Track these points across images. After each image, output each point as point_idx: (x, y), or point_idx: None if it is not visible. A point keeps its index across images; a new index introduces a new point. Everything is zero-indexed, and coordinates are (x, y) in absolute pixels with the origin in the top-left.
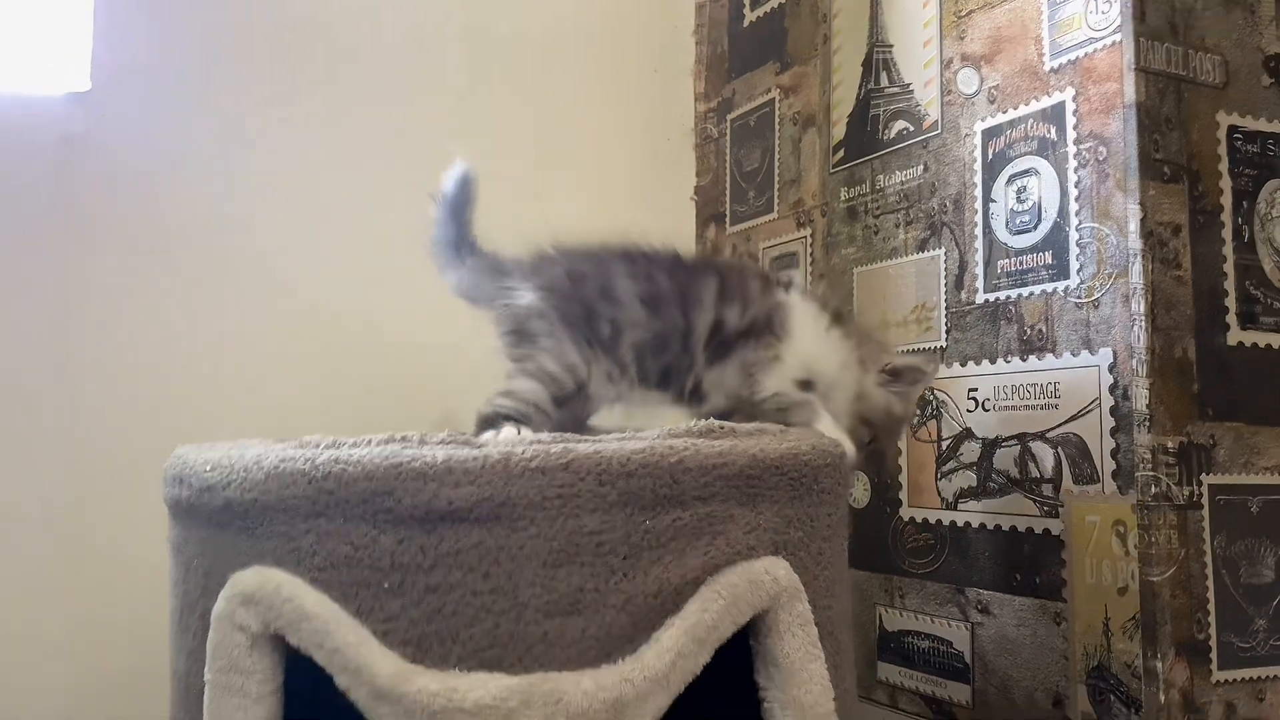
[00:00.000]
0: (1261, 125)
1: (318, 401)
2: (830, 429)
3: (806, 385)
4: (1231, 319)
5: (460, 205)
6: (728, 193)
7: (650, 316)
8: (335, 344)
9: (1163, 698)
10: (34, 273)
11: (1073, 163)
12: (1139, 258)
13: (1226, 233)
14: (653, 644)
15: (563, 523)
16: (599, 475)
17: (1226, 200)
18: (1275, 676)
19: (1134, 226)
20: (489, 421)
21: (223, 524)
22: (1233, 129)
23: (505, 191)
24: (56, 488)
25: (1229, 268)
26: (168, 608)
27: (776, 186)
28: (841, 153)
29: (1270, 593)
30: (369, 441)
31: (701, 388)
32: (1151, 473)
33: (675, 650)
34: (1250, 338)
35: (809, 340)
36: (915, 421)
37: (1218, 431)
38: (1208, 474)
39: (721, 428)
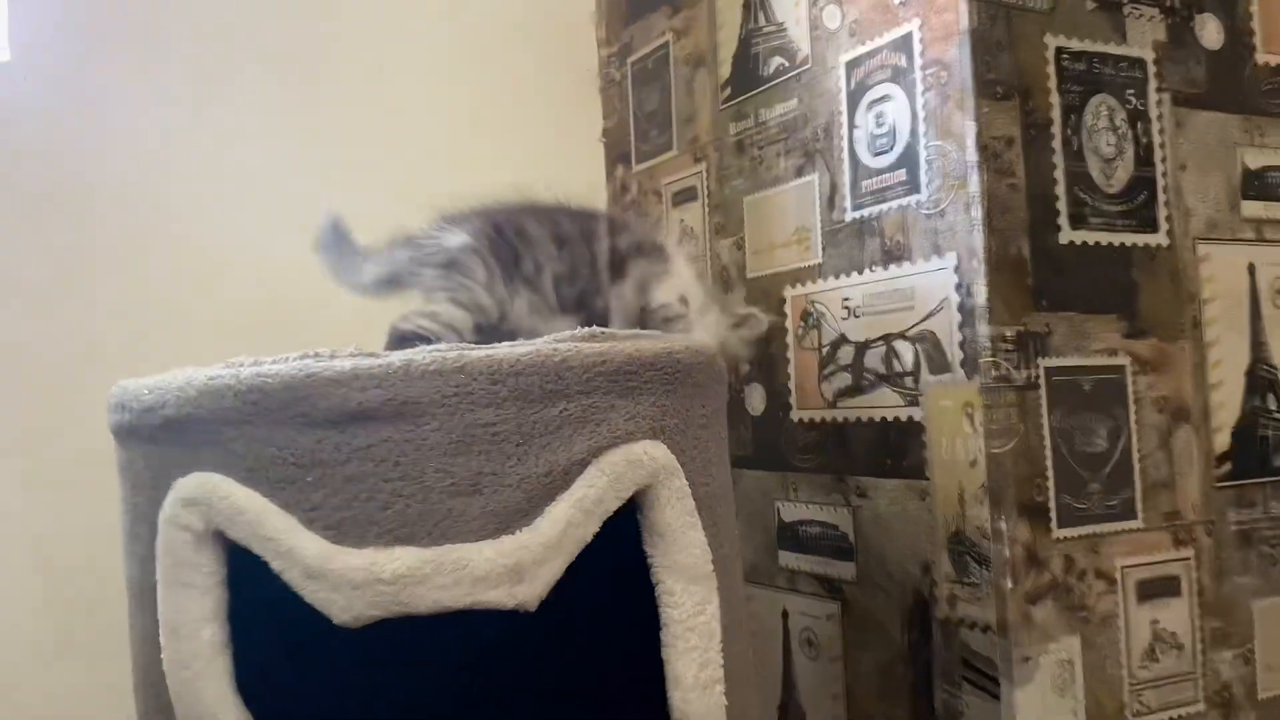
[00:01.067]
0: (1087, 45)
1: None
2: (704, 338)
3: (684, 304)
4: (1063, 220)
5: (339, 242)
6: (632, 133)
7: (560, 251)
8: (252, 304)
9: (1008, 553)
10: None
11: (920, 87)
12: (975, 169)
13: (1056, 144)
14: (545, 516)
15: (460, 417)
16: (490, 375)
17: (1056, 115)
18: (1110, 533)
19: (971, 141)
20: (405, 339)
21: (162, 440)
22: (1060, 50)
23: (420, 151)
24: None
25: (1059, 175)
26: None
27: (674, 125)
28: (729, 90)
29: (1103, 459)
30: (286, 359)
31: (609, 308)
32: (992, 359)
33: (565, 521)
34: (1080, 237)
35: (685, 269)
36: (800, 333)
37: (1052, 320)
38: (1044, 358)
39: (603, 333)
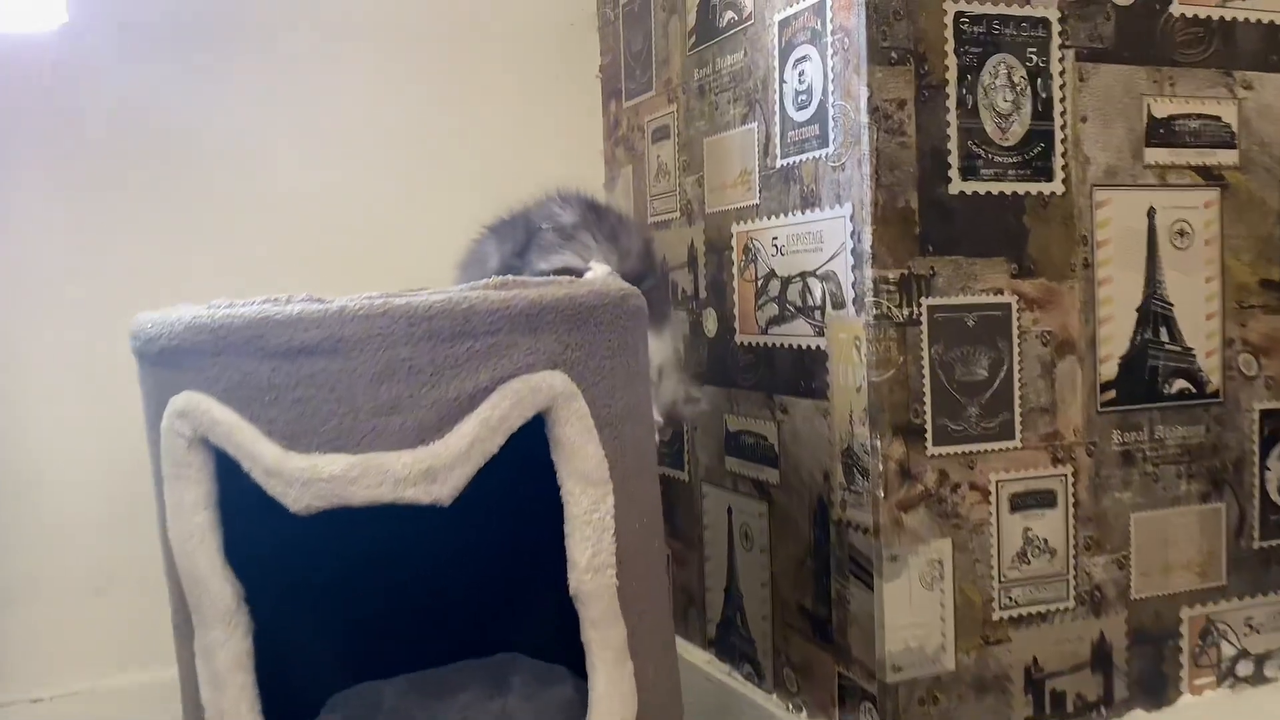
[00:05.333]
0: (988, 9)
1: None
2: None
3: (659, 372)
4: (954, 173)
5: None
6: (622, 71)
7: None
8: (313, 254)
9: (881, 467)
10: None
11: (830, 50)
12: (865, 130)
13: (950, 103)
14: (455, 432)
15: (384, 352)
16: (409, 319)
17: (952, 75)
18: (984, 451)
19: (863, 104)
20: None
21: (161, 364)
22: (959, 14)
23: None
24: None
25: (952, 131)
26: None
27: (654, 66)
28: (694, 38)
29: (983, 387)
30: (253, 302)
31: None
32: (874, 299)
33: (472, 435)
34: (971, 187)
35: (676, 331)
36: (742, 265)
37: (938, 264)
38: (927, 297)
39: (513, 280)
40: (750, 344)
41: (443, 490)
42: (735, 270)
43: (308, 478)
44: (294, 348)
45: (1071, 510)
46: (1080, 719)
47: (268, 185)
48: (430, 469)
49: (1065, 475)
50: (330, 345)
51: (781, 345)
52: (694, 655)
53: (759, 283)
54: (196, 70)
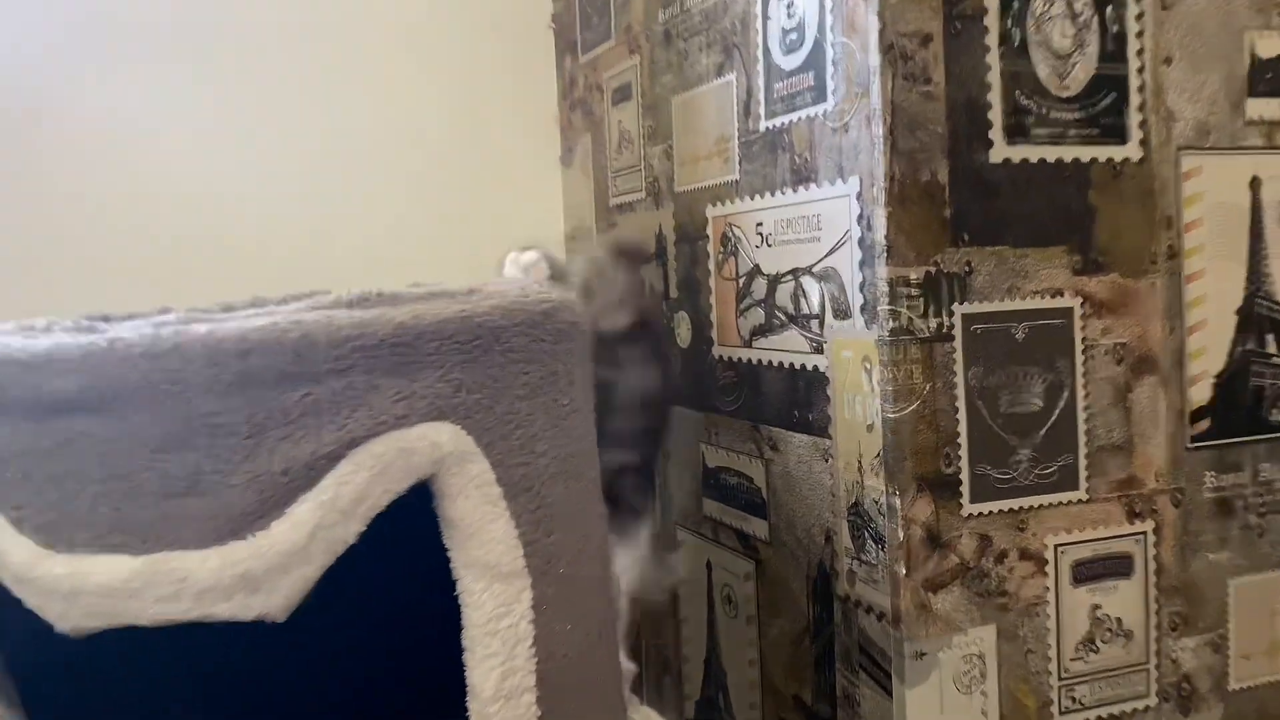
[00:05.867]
0: None
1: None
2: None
3: None
4: (996, 134)
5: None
6: (578, 19)
7: None
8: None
9: (901, 535)
10: None
11: None
12: (876, 76)
13: (991, 39)
14: (286, 519)
15: (174, 407)
16: (210, 358)
17: (992, 2)
18: (1039, 506)
19: (873, 41)
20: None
21: None
22: None
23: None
24: None
25: (994, 77)
26: None
27: (612, 10)
28: None
29: (1037, 421)
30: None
31: None
32: (890, 306)
33: (312, 523)
34: (1020, 153)
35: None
36: (720, 259)
37: (975, 257)
38: (961, 303)
39: (379, 295)
40: (731, 359)
41: (270, 602)
42: (711, 265)
43: (68, 588)
44: (42, 403)
45: (1153, 579)
46: None
47: (146, 174)
48: (248, 574)
49: (1144, 534)
50: (95, 398)
51: (769, 363)
52: None
53: (740, 281)
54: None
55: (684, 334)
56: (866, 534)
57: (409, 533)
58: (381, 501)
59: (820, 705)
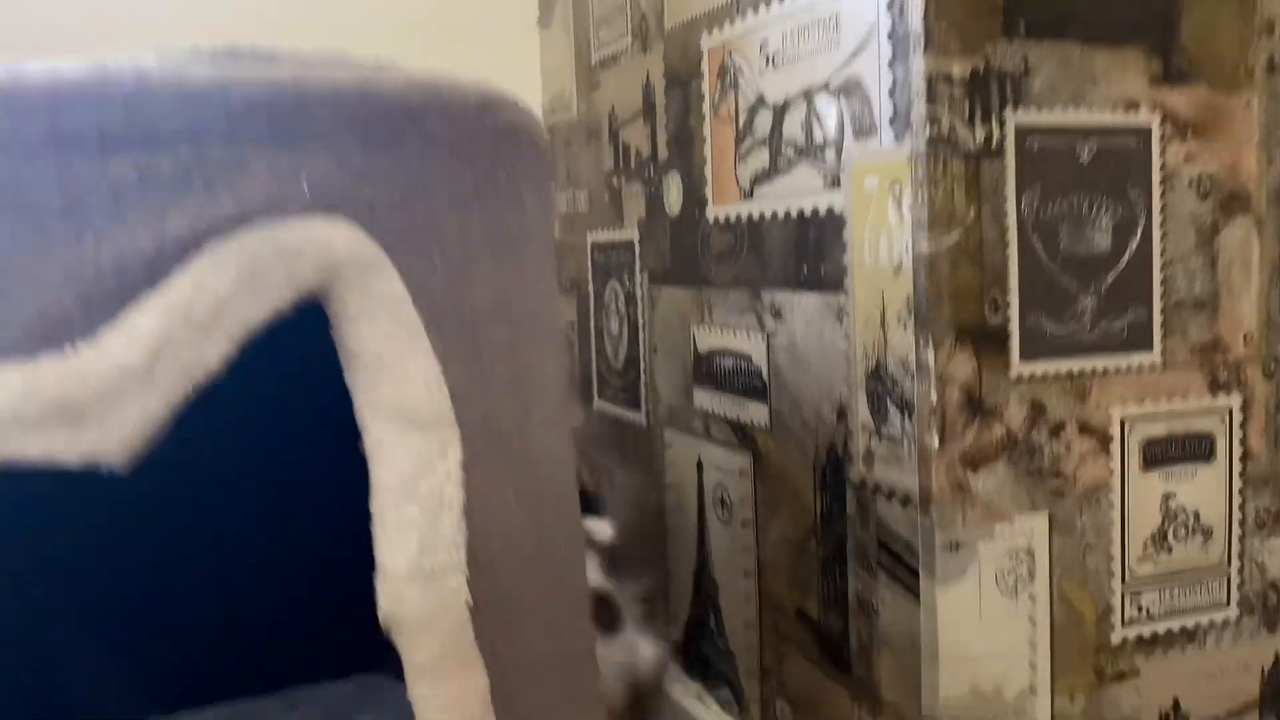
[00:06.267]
0: None
1: None
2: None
3: None
4: None
5: None
6: None
7: None
8: None
9: (935, 398)
10: None
11: None
12: None
13: None
14: (118, 330)
15: None
16: (9, 107)
17: None
18: (1104, 370)
19: None
20: None
21: None
22: None
23: None
24: None
25: None
26: None
27: None
28: None
29: (1104, 264)
30: None
31: None
32: (928, 110)
33: (156, 336)
34: None
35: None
36: (716, 98)
37: (1034, 53)
38: (1016, 109)
39: (254, 50)
40: (728, 218)
41: (105, 440)
42: (707, 108)
43: None
44: None
45: (1237, 466)
46: None
47: None
48: (66, 400)
49: (1229, 410)
50: None
51: (773, 215)
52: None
53: (740, 120)
54: None
55: (674, 199)
56: (889, 402)
57: (301, 370)
58: (253, 317)
59: (829, 617)
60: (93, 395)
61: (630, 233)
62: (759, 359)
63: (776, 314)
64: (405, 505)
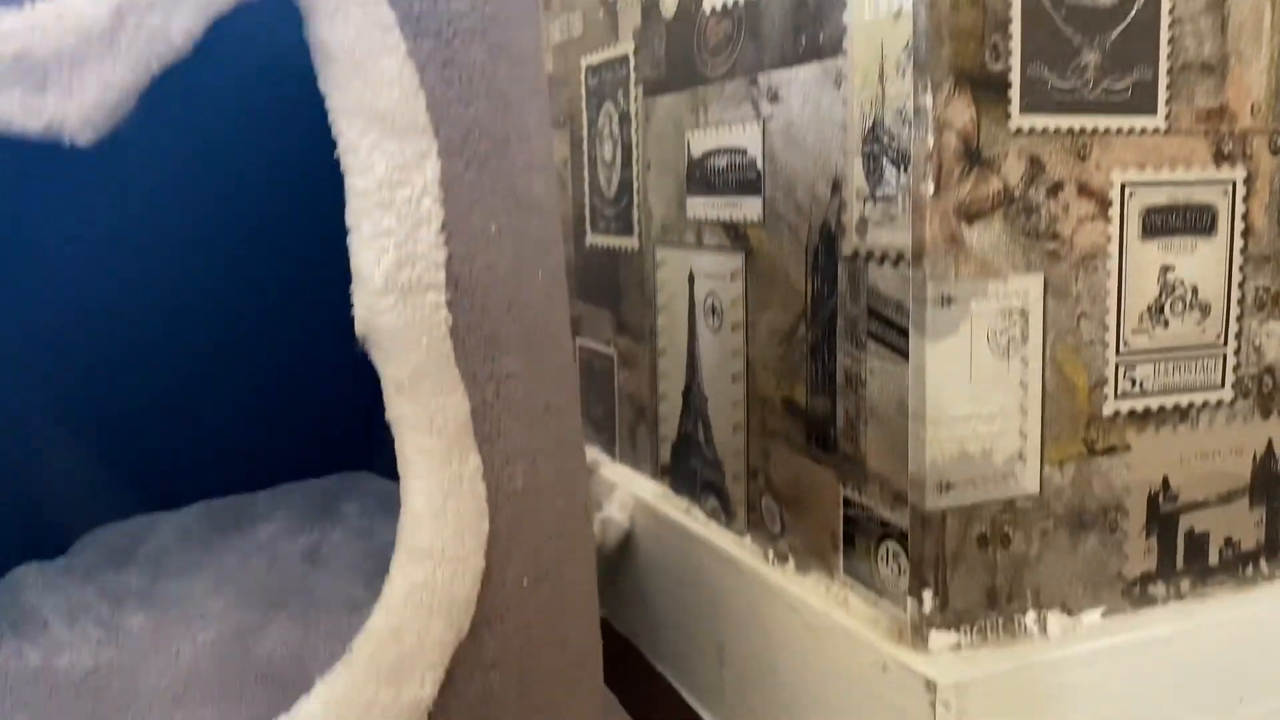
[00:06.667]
0: None
1: None
2: None
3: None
4: None
5: None
6: None
7: None
8: None
9: (932, 141)
10: None
11: None
12: None
13: None
14: None
15: None
16: None
17: None
18: (1106, 130)
19: None
20: None
21: None
22: None
23: None
24: None
25: None
26: None
27: None
28: None
29: (1110, 17)
30: None
31: None
32: None
33: None
34: None
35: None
36: None
37: None
38: None
39: None
40: (725, 5)
41: (63, 105)
42: None
43: None
44: None
45: (1239, 242)
46: (1229, 575)
47: None
48: (27, 55)
49: (1233, 183)
50: None
51: None
52: (642, 488)
53: None
54: None
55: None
56: (885, 161)
57: (272, 72)
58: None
59: (817, 400)
60: (53, 53)
61: (625, 46)
62: (754, 150)
63: (773, 97)
64: (381, 214)
